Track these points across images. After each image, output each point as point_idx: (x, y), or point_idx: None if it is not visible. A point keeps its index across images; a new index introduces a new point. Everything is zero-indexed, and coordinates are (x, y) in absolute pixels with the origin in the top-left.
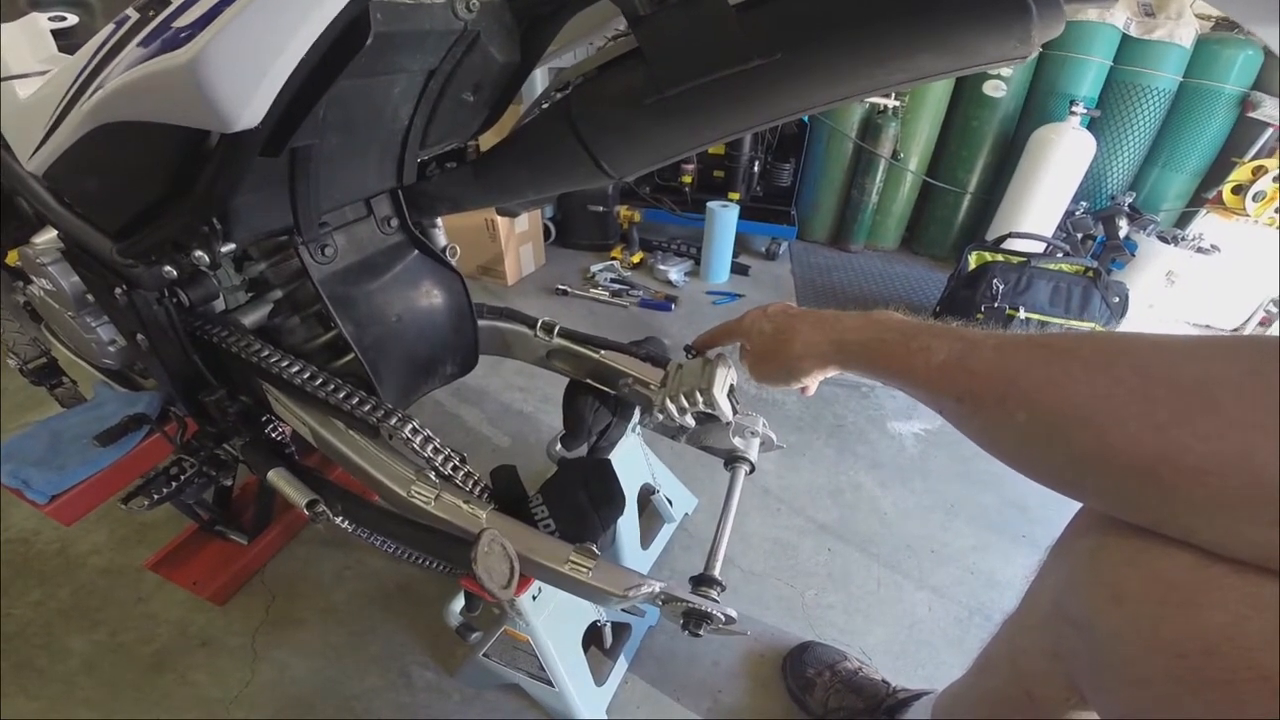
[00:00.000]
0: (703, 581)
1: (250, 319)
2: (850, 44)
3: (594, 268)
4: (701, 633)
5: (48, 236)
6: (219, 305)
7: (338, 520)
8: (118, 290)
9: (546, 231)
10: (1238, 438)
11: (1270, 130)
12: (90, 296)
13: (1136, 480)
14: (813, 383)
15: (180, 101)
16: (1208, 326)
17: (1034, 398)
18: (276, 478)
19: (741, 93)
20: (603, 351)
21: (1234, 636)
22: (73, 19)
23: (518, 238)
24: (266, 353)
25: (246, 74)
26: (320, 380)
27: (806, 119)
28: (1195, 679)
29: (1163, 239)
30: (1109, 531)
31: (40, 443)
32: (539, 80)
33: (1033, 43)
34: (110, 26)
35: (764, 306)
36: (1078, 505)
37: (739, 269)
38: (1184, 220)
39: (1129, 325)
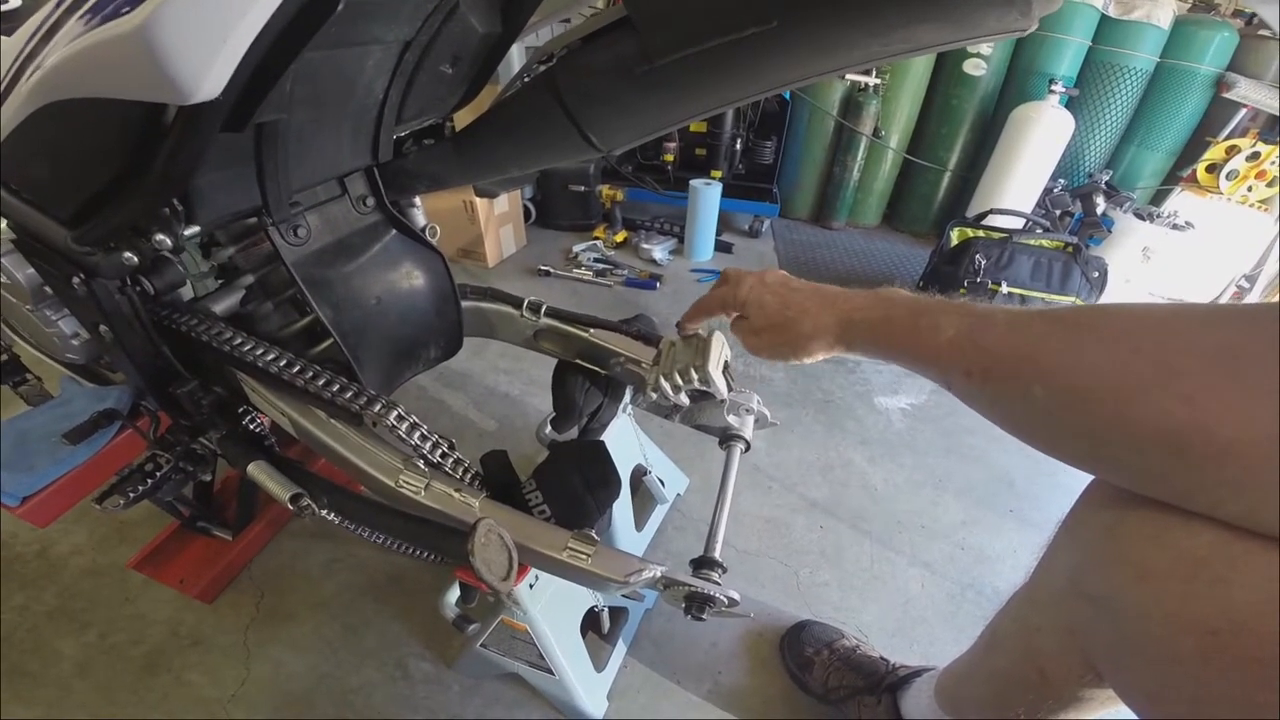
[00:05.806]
0: (703, 564)
1: (221, 306)
2: (849, 13)
3: (577, 248)
4: (705, 616)
5: None
6: (187, 293)
7: (324, 514)
8: (75, 280)
9: (527, 212)
10: (1267, 410)
11: (1244, 111)
12: (48, 288)
13: (1162, 453)
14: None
15: (130, 73)
16: (1183, 301)
17: (1051, 371)
18: (257, 471)
19: (735, 62)
20: (592, 330)
21: (1267, 614)
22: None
23: (497, 219)
24: (239, 341)
25: (204, 39)
26: (298, 368)
27: (788, 95)
28: (1226, 657)
29: (1139, 216)
30: (1126, 507)
31: (7, 443)
32: (516, 58)
33: (1033, 15)
34: (51, 3)
35: (760, 274)
36: (1063, 481)
37: (723, 247)
38: (1159, 198)
39: (1108, 300)
